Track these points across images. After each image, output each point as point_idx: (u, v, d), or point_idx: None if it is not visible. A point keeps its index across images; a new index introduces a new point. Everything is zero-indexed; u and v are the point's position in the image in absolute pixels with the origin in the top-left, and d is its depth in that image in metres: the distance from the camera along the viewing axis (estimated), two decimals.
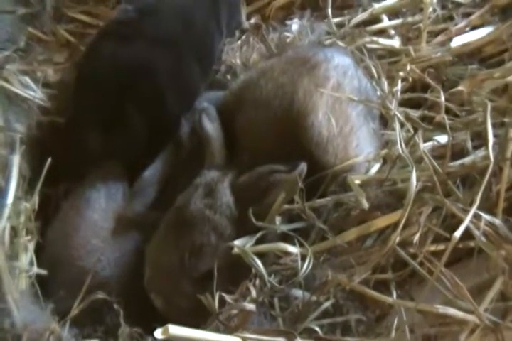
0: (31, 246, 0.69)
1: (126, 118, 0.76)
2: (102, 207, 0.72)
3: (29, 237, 0.69)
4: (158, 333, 0.44)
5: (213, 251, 0.61)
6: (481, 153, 0.60)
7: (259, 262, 0.53)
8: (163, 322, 0.53)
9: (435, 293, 0.52)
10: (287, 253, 0.57)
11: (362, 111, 0.69)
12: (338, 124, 0.66)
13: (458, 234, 0.50)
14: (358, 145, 0.67)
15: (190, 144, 0.71)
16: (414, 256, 0.54)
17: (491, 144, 0.57)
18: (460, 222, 0.54)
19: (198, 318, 0.57)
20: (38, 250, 0.71)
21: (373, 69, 0.71)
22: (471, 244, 0.55)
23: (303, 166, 0.62)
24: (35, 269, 0.65)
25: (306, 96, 0.67)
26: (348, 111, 0.68)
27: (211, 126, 0.69)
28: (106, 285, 0.63)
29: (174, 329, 0.44)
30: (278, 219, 0.62)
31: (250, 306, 0.49)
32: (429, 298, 0.51)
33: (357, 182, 0.61)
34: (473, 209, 0.52)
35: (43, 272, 0.66)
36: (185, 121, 0.73)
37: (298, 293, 0.53)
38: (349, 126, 0.67)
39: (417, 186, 0.57)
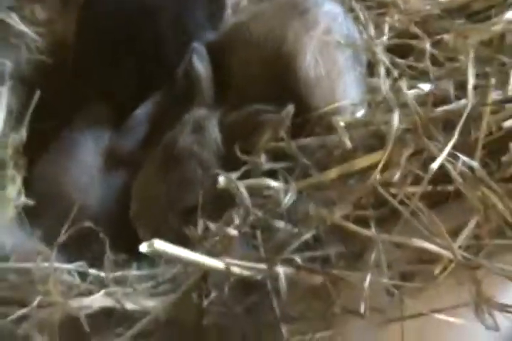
0: (19, 178, 0.70)
1: (123, 61, 0.76)
2: (91, 146, 0.73)
3: (17, 171, 0.71)
4: (143, 246, 0.45)
5: (199, 185, 0.62)
6: (463, 101, 0.61)
7: (244, 190, 0.54)
8: None
9: (413, 234, 0.53)
10: (271, 189, 0.59)
11: (350, 58, 0.69)
12: (326, 67, 0.67)
13: (435, 165, 0.51)
14: (344, 90, 0.68)
15: (182, 84, 0.71)
16: (394, 197, 0.55)
17: (471, 85, 0.58)
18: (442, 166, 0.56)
19: None
20: (26, 187, 0.72)
21: (361, 16, 0.71)
22: (450, 188, 0.56)
23: (290, 108, 0.63)
24: (23, 199, 0.66)
25: (295, 39, 0.67)
26: (336, 56, 0.68)
27: (201, 66, 0.70)
28: (94, 219, 0.63)
29: (160, 245, 0.45)
30: (263, 158, 0.63)
31: (233, 231, 0.50)
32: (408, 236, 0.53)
33: (341, 124, 0.62)
34: (450, 146, 0.53)
35: (31, 202, 0.67)
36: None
37: (280, 224, 0.55)
38: (336, 70, 0.68)
39: (398, 128, 0.58)
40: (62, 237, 0.58)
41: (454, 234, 0.55)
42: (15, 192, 0.66)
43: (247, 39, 0.69)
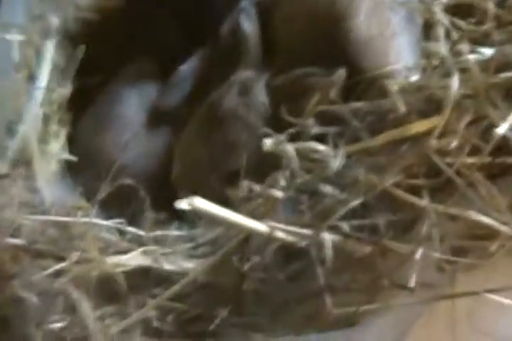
0: (63, 134, 0.66)
1: (165, 17, 0.71)
2: (134, 102, 0.68)
3: (61, 126, 0.66)
4: (182, 203, 0.40)
5: (244, 148, 0.57)
6: None
7: (292, 150, 0.49)
8: None
9: (469, 207, 0.47)
10: (319, 153, 0.53)
11: (404, 18, 0.62)
12: (379, 28, 0.60)
13: (500, 131, 0.45)
14: (398, 53, 0.61)
15: (229, 43, 0.65)
16: (449, 166, 0.48)
17: None
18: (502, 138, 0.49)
19: None
20: (69, 142, 0.68)
21: None
22: (510, 160, 0.49)
23: (341, 71, 0.57)
24: (65, 154, 0.62)
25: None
26: (390, 16, 0.61)
27: (249, 26, 0.64)
28: (135, 177, 0.59)
29: (200, 202, 0.40)
30: (312, 121, 0.57)
31: (278, 193, 0.45)
32: (462, 202, 0.47)
33: (395, 87, 0.55)
34: None
35: (73, 158, 0.63)
36: (226, 20, 0.67)
37: (327, 189, 0.49)
38: (390, 31, 0.60)
39: (457, 93, 0.52)
40: (102, 194, 0.54)
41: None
42: (58, 147, 0.63)
43: None
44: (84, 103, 0.68)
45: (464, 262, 0.47)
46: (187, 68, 0.66)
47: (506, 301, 0.46)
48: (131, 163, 0.62)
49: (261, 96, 0.58)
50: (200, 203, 0.40)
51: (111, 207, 0.56)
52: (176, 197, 0.61)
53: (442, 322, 0.49)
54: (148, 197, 0.54)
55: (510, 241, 0.45)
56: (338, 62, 0.59)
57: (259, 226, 0.45)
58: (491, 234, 0.47)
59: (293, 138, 0.57)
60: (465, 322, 0.50)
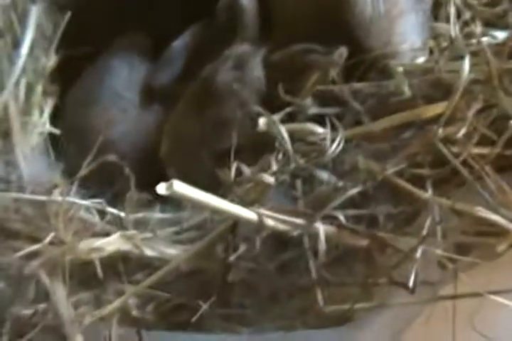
0: (48, 105, 0.59)
1: None
2: (124, 76, 0.61)
3: (46, 97, 0.60)
4: (161, 187, 0.34)
5: (237, 126, 0.51)
6: None
7: (285, 133, 0.43)
8: None
9: (476, 200, 0.41)
10: (316, 135, 0.47)
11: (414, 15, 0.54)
12: (385, 6, 0.52)
13: None
14: (404, 32, 0.54)
15: (226, 17, 0.58)
16: (456, 157, 0.42)
17: None
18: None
19: None
20: (55, 115, 0.61)
21: None
22: None
23: (343, 49, 0.51)
24: (48, 127, 0.56)
25: None
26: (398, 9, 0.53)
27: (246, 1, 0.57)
28: (121, 154, 0.52)
29: (180, 187, 0.34)
30: (310, 101, 0.51)
31: (269, 179, 0.39)
32: (469, 202, 0.42)
33: (400, 69, 0.49)
34: None
35: (56, 131, 0.57)
36: None
37: (324, 175, 0.44)
38: (397, 9, 0.53)
39: (467, 78, 0.46)
40: (84, 171, 0.48)
41: None
42: (41, 119, 0.56)
43: None
44: (72, 75, 0.61)
45: (468, 261, 0.42)
46: (180, 44, 0.59)
47: (508, 302, 0.41)
48: (118, 139, 0.56)
49: (257, 71, 0.52)
50: (180, 187, 0.34)
51: (94, 184, 0.50)
52: (164, 177, 0.57)
53: (442, 321, 0.43)
54: (134, 175, 0.48)
55: None
56: (340, 39, 0.52)
57: (247, 214, 0.38)
58: (497, 231, 0.42)
59: (290, 118, 0.52)
60: (465, 322, 0.44)
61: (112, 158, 0.48)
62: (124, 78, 0.60)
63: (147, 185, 0.50)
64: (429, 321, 0.43)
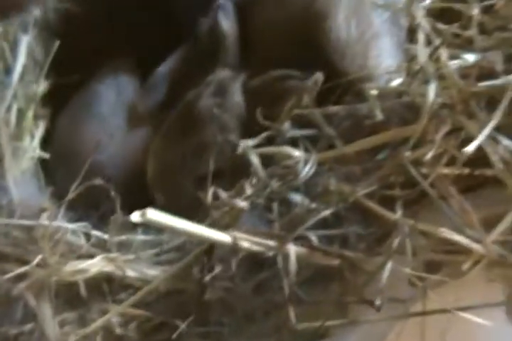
0: (39, 130, 0.61)
1: (145, 16, 0.66)
2: (111, 101, 0.63)
3: (37, 123, 0.62)
4: (135, 215, 0.36)
5: (218, 151, 0.53)
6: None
7: (256, 159, 0.45)
8: None
9: (444, 221, 0.43)
10: (293, 159, 0.49)
11: (387, 21, 0.57)
12: (359, 29, 0.55)
13: (470, 148, 0.41)
14: (379, 55, 0.56)
15: (207, 41, 0.60)
16: (426, 178, 0.44)
17: None
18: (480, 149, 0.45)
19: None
20: (47, 139, 0.63)
21: None
22: (488, 172, 0.44)
23: (319, 75, 0.52)
24: (38, 152, 0.58)
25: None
26: (372, 18, 0.56)
27: (227, 24, 0.59)
28: (108, 178, 0.54)
29: (153, 214, 0.36)
30: (287, 125, 0.53)
31: (242, 203, 0.41)
32: (436, 224, 0.43)
33: (373, 92, 0.51)
34: (490, 126, 0.42)
35: (46, 155, 0.59)
36: (203, 19, 0.62)
37: (297, 198, 0.45)
38: (371, 32, 0.55)
39: (435, 102, 0.47)
40: (71, 194, 0.50)
41: (491, 225, 0.46)
42: (32, 144, 0.58)
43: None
44: (62, 100, 0.63)
45: (435, 279, 0.44)
46: (164, 69, 0.61)
47: (477, 319, 0.43)
48: (105, 163, 0.58)
49: (236, 96, 0.54)
50: (154, 215, 0.36)
51: (82, 207, 0.52)
52: (150, 199, 0.59)
53: (413, 338, 0.45)
54: (122, 198, 0.50)
55: (482, 259, 0.42)
56: (316, 63, 0.54)
57: (222, 237, 0.41)
58: (464, 250, 0.44)
59: (269, 142, 0.54)
60: (436, 338, 0.46)
61: (98, 181, 0.50)
62: (111, 103, 0.62)
63: (135, 207, 0.53)
64: (400, 337, 0.44)
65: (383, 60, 0.56)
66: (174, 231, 0.41)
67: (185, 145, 0.54)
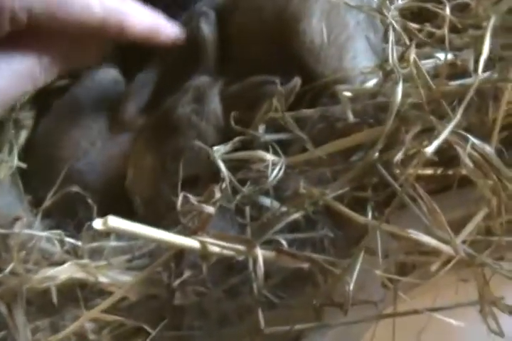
0: (20, 138, 0.61)
1: None
2: (93, 107, 0.63)
3: (16, 130, 0.62)
4: (97, 223, 0.36)
5: (195, 156, 0.52)
6: (485, 74, 0.47)
7: (222, 165, 0.45)
8: None
9: (415, 223, 0.43)
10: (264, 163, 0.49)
11: (362, 22, 0.56)
12: (334, 32, 0.54)
13: (431, 149, 0.40)
14: (354, 58, 0.55)
15: (187, 47, 0.60)
16: (396, 179, 0.43)
17: (484, 56, 0.46)
18: (451, 147, 0.45)
19: None
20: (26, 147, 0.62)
21: None
22: (458, 172, 0.44)
23: (297, 80, 0.52)
24: (16, 162, 0.58)
25: (300, 1, 0.54)
26: (346, 19, 0.55)
27: (208, 30, 0.58)
28: (88, 184, 0.55)
29: (115, 222, 0.36)
30: (262, 129, 0.53)
31: (209, 209, 0.40)
32: (408, 225, 0.42)
33: (347, 94, 0.51)
34: (452, 124, 0.42)
35: (23, 165, 0.58)
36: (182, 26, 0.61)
37: (267, 202, 0.45)
38: (346, 35, 0.55)
39: (404, 103, 0.47)
40: (48, 202, 0.51)
41: (461, 225, 0.45)
42: (11, 153, 0.58)
43: (251, 1, 0.57)
44: (46, 107, 0.64)
45: (405, 280, 0.44)
46: (145, 75, 0.61)
47: (450, 320, 0.42)
48: (85, 169, 0.57)
49: (214, 103, 0.54)
50: (115, 222, 0.36)
51: (59, 214, 0.52)
52: (129, 206, 0.59)
53: (388, 339, 0.45)
54: (100, 204, 0.50)
55: (451, 259, 0.41)
56: (292, 67, 0.54)
57: (190, 242, 0.40)
58: (434, 251, 0.44)
59: (246, 147, 0.54)
60: (411, 339, 0.46)
61: (75, 188, 0.51)
62: (93, 109, 0.62)
63: (115, 214, 0.53)
64: (374, 339, 0.44)
65: (359, 61, 0.55)
66: (139, 237, 0.42)
67: (163, 151, 0.53)
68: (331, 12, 0.54)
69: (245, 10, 0.58)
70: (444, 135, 0.40)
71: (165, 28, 0.55)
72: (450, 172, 0.46)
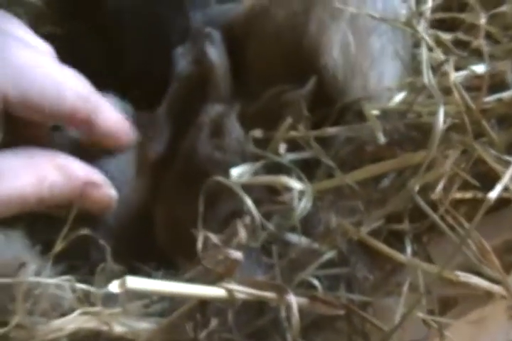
0: None
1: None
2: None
3: None
4: (114, 286, 0.32)
5: (228, 196, 0.45)
6: None
7: (248, 199, 0.41)
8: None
9: (456, 250, 0.39)
10: (290, 191, 0.45)
11: (388, 42, 0.50)
12: (357, 62, 0.48)
13: (494, 194, 0.35)
14: (380, 81, 0.49)
15: (194, 74, 0.53)
16: (435, 205, 0.39)
17: None
18: (491, 170, 0.40)
19: None
20: None
21: None
22: (505, 194, 0.40)
23: (313, 81, 0.48)
24: None
25: (318, 31, 0.48)
26: (370, 45, 0.49)
27: (215, 53, 0.53)
28: (110, 226, 0.51)
29: (134, 282, 0.32)
30: (283, 148, 0.47)
31: (237, 254, 0.36)
32: (449, 254, 0.39)
33: (375, 112, 0.46)
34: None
35: None
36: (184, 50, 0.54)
37: (294, 238, 0.41)
38: (370, 60, 0.49)
39: (445, 123, 0.43)
40: (58, 246, 0.46)
41: (509, 250, 0.42)
42: None
43: (266, 27, 0.51)
44: None
45: (451, 315, 0.40)
46: (163, 109, 0.54)
47: None
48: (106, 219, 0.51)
49: (235, 131, 0.48)
50: (134, 283, 0.32)
51: (71, 257, 0.47)
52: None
53: None
54: (119, 247, 0.45)
55: (503, 301, 0.37)
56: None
57: (215, 291, 0.37)
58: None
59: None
60: None
61: (85, 231, 0.46)
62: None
63: (130, 253, 0.49)
64: None
65: (385, 80, 0.49)
66: (161, 295, 0.38)
67: (191, 199, 0.45)
68: (352, 41, 0.48)
69: (261, 37, 0.52)
70: (507, 178, 0.36)
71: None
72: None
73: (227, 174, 0.46)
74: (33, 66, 0.45)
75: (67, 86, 0.46)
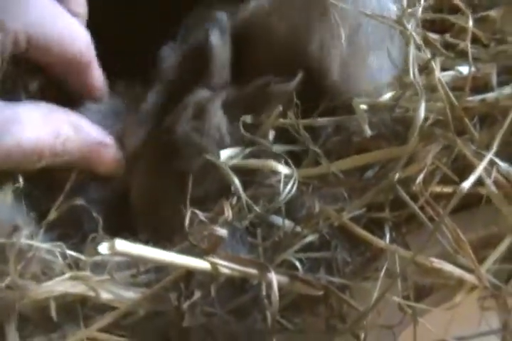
0: None
1: None
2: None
3: None
4: (103, 248, 0.32)
5: (200, 177, 0.45)
6: (507, 90, 0.44)
7: (236, 179, 0.40)
8: None
9: (434, 241, 0.39)
10: (277, 175, 0.44)
11: (382, 40, 0.47)
12: (356, 75, 0.47)
13: (467, 184, 0.36)
14: (373, 70, 0.47)
15: (193, 59, 0.50)
16: (415, 197, 0.39)
17: None
18: (471, 165, 0.40)
19: None
20: None
21: None
22: (482, 191, 0.39)
23: (300, 76, 0.46)
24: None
25: (321, 47, 0.46)
26: (369, 60, 0.47)
27: (218, 43, 0.49)
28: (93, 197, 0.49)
29: (122, 245, 0.32)
30: (272, 135, 0.46)
31: (222, 231, 0.36)
32: (426, 245, 0.38)
33: (363, 106, 0.46)
34: (489, 156, 0.38)
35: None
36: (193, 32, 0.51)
37: (279, 220, 0.41)
38: (369, 74, 0.47)
39: (428, 119, 0.43)
40: (52, 215, 0.45)
41: (483, 245, 0.41)
42: None
43: (267, 36, 0.48)
44: None
45: (426, 303, 0.39)
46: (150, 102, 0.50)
47: None
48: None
49: (216, 117, 0.46)
50: (123, 246, 0.31)
51: (63, 226, 0.47)
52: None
53: None
54: (101, 217, 0.44)
55: (475, 289, 0.37)
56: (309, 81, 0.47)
57: (200, 263, 0.36)
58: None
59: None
60: None
61: (79, 201, 0.45)
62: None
63: (120, 225, 0.48)
64: None
65: (377, 74, 0.48)
66: (148, 261, 0.37)
67: (164, 174, 0.47)
68: (353, 54, 0.47)
69: (261, 47, 0.49)
70: (481, 168, 0.35)
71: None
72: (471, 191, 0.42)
73: (201, 157, 0.45)
74: (51, 9, 0.45)
75: (76, 28, 0.46)
